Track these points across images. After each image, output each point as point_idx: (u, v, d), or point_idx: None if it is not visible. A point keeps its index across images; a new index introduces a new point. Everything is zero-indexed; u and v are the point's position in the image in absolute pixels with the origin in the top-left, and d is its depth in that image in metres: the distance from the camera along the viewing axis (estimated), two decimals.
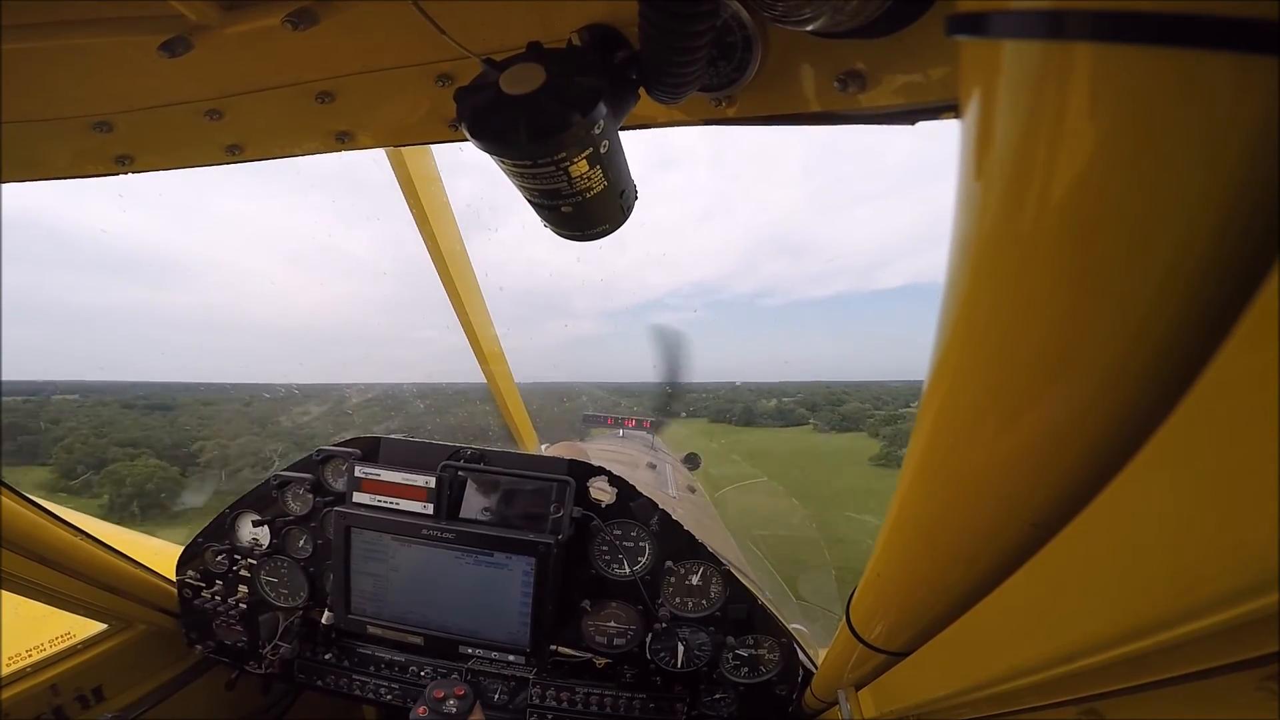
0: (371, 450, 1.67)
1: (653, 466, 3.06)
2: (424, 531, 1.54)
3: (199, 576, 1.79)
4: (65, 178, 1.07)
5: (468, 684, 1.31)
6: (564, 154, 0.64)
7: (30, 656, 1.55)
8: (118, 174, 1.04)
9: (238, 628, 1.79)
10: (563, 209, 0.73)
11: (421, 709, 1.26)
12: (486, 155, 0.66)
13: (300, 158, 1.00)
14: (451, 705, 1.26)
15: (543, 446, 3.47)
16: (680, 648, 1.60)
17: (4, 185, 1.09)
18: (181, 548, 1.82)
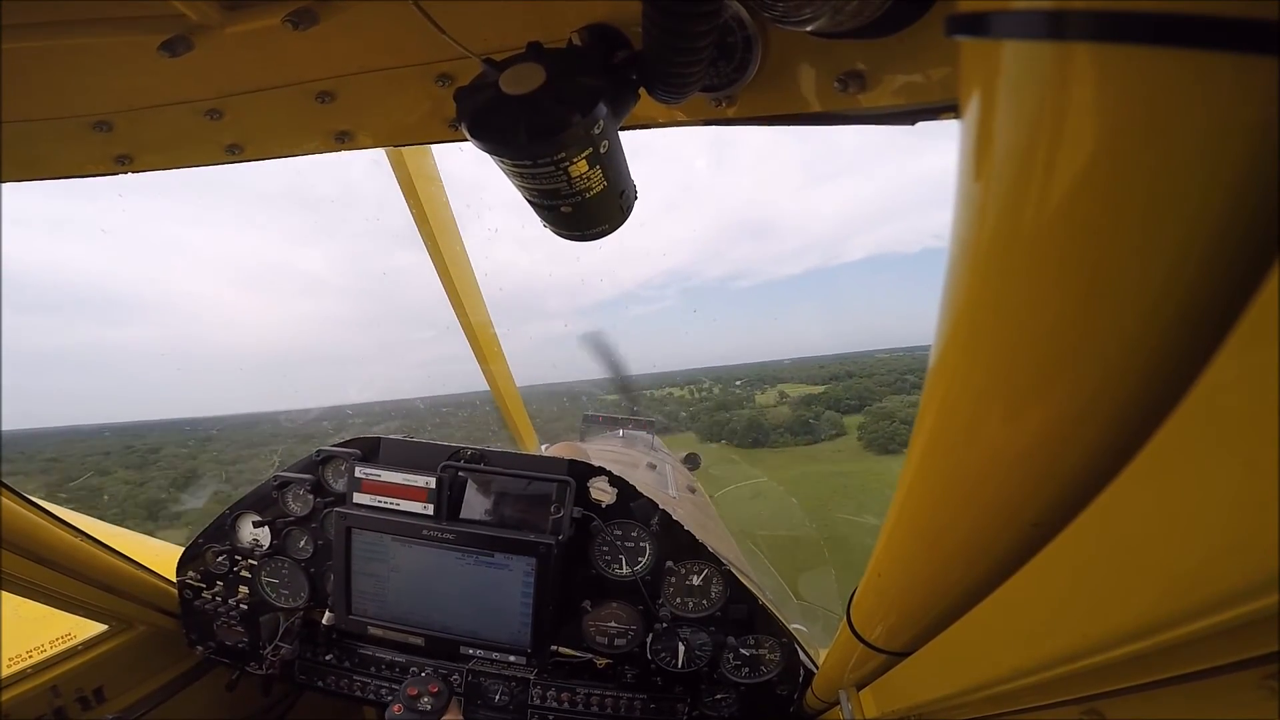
0: (372, 451, 1.67)
1: (653, 467, 3.05)
2: (424, 532, 1.54)
3: (199, 577, 1.79)
4: (65, 177, 1.07)
5: (442, 681, 1.33)
6: (564, 154, 0.64)
7: (31, 657, 1.55)
8: (117, 174, 1.04)
9: (238, 628, 1.79)
10: (562, 209, 0.73)
11: (397, 707, 1.28)
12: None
13: (299, 158, 1.00)
14: (426, 702, 1.28)
15: (543, 446, 3.47)
16: (681, 648, 1.60)
17: (4, 185, 1.09)
18: (182, 549, 1.82)
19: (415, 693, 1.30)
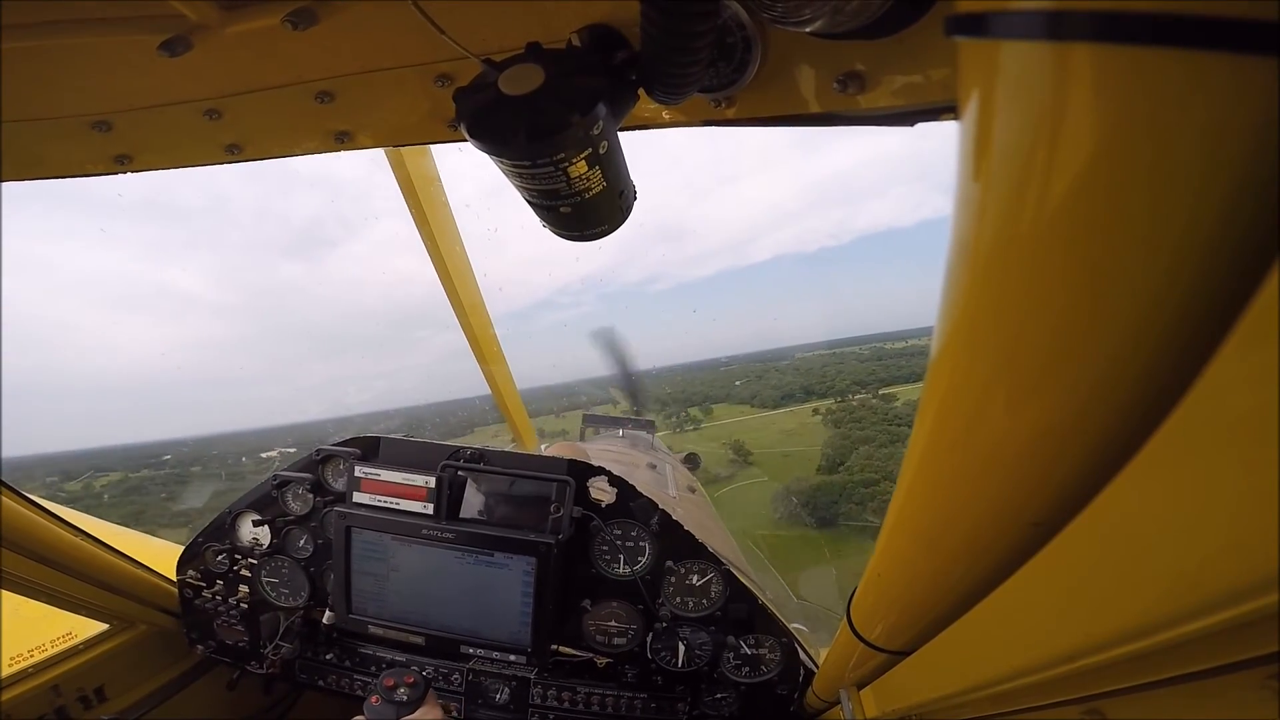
0: (371, 450, 1.67)
1: (653, 466, 3.06)
2: (424, 531, 1.54)
3: (200, 576, 1.79)
4: (65, 177, 1.07)
5: (420, 674, 1.33)
6: (563, 155, 0.64)
7: (32, 657, 1.55)
8: (117, 173, 1.04)
9: (239, 628, 1.79)
10: (561, 209, 0.73)
11: (374, 698, 1.29)
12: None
13: (298, 158, 1.00)
14: (403, 693, 1.28)
15: (542, 446, 3.48)
16: (681, 647, 1.60)
17: (4, 185, 1.09)
18: (182, 548, 1.82)
19: (392, 684, 1.30)
